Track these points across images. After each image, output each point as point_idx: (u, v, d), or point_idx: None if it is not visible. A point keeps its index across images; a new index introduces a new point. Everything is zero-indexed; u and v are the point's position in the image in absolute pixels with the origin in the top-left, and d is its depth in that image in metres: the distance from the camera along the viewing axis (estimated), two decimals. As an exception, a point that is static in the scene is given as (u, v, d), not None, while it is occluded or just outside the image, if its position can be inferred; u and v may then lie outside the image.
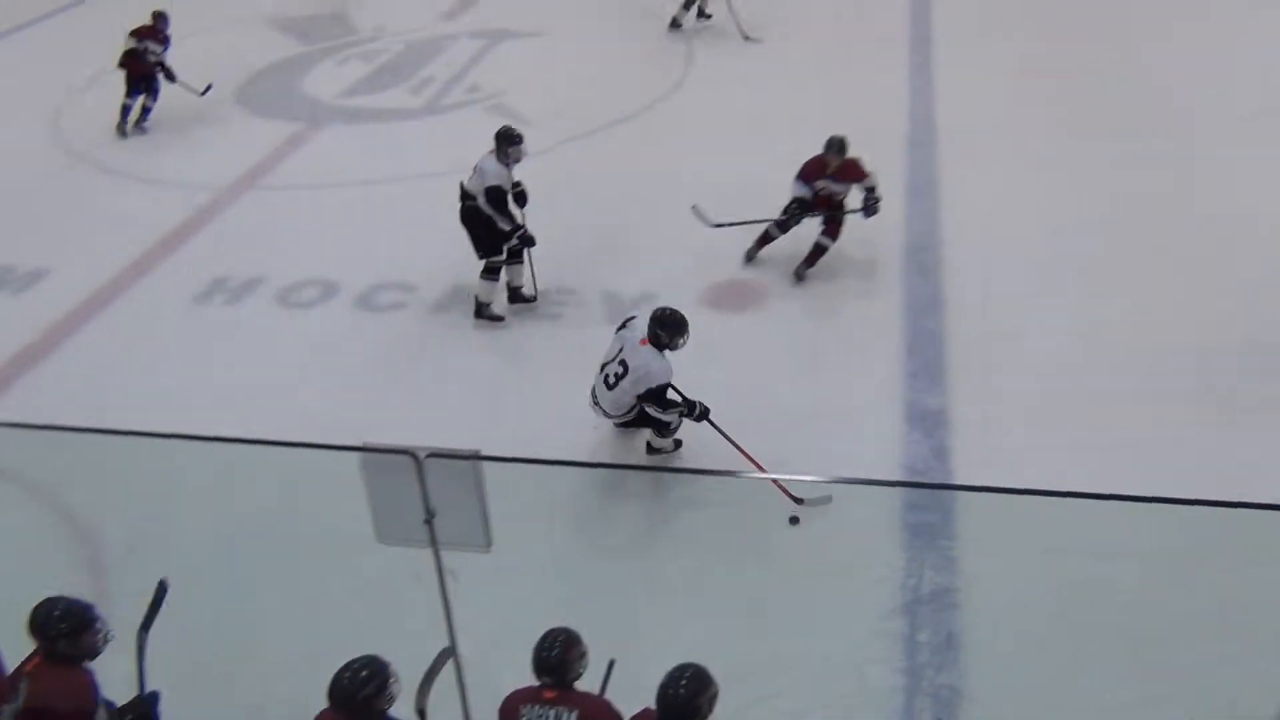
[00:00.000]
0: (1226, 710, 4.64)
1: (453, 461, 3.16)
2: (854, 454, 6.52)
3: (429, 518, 3.24)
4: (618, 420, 6.37)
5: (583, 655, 3.95)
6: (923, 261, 8.51)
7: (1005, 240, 8.70)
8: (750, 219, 8.38)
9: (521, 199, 7.85)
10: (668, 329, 6.08)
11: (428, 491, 3.19)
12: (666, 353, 6.11)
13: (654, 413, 6.18)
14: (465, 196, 7.78)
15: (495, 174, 7.62)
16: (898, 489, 6.29)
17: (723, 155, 10.07)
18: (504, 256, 7.88)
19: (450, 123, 11.68)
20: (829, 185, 8.08)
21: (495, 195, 7.62)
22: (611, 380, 6.19)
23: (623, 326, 6.39)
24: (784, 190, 8.19)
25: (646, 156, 10.45)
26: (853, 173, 8.05)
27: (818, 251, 8.19)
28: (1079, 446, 6.50)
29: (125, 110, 11.32)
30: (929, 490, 6.32)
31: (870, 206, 8.13)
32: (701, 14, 13.85)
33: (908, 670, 5.24)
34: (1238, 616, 5.28)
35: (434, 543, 3.28)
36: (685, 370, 6.27)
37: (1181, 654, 5.16)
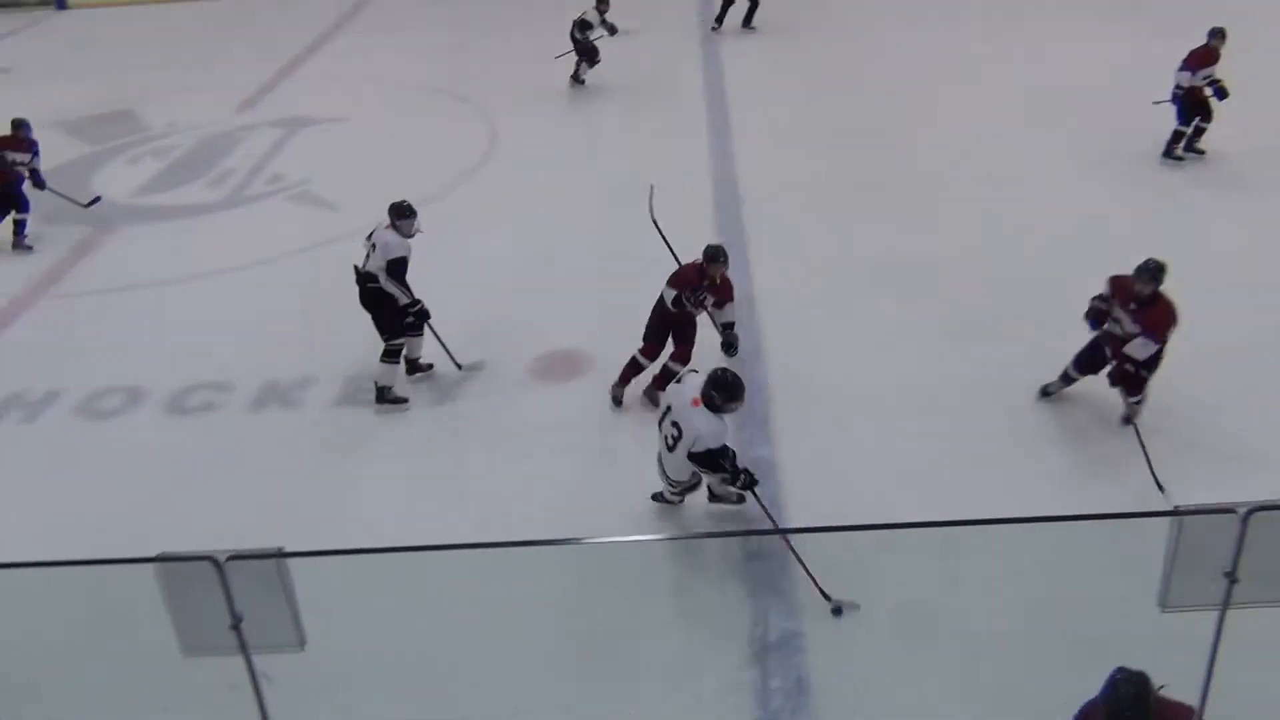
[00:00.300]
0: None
1: (258, 562, 2.98)
2: (687, 509, 6.53)
3: (235, 623, 3.04)
4: (680, 487, 6.25)
5: None
6: (739, 316, 8.63)
7: (815, 288, 8.97)
8: (671, 245, 7.95)
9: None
10: (722, 391, 5.89)
11: (232, 596, 2.99)
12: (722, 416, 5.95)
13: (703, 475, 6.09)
14: (365, 279, 7.59)
15: (399, 245, 7.49)
16: (737, 540, 6.33)
17: (531, 229, 10.09)
18: (403, 337, 7.74)
19: (253, 215, 11.36)
20: (696, 296, 7.35)
21: (399, 267, 7.48)
22: (670, 442, 6.06)
23: (677, 380, 6.32)
24: (593, 261, 8.06)
25: (457, 234, 10.33)
26: (725, 290, 7.41)
27: (667, 376, 7.40)
28: (904, 478, 6.69)
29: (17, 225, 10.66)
30: (769, 539, 6.36)
31: (732, 344, 7.49)
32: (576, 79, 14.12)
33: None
34: (1075, 627, 5.42)
35: (244, 648, 3.08)
36: (517, 441, 6.09)
37: (1026, 671, 5.27)
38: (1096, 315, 6.92)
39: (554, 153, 12.36)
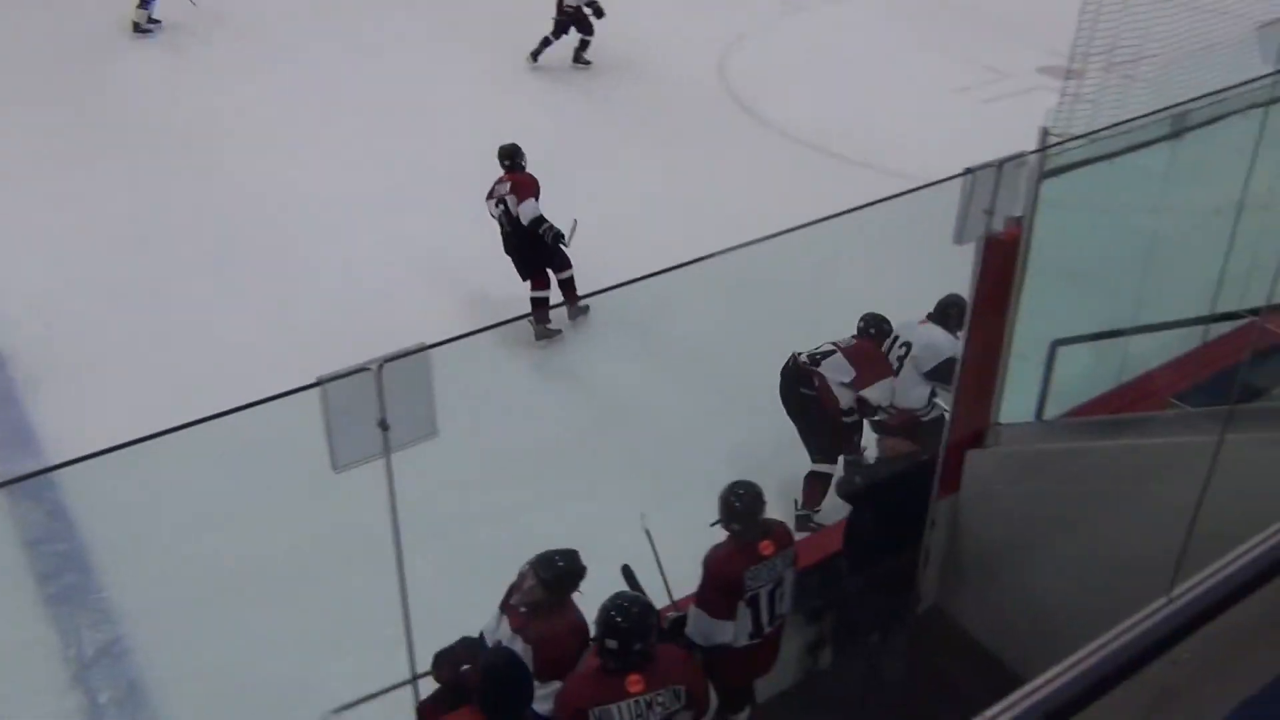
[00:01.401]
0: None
1: None
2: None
3: None
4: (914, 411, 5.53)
5: None
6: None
7: (68, 276, 8.17)
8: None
9: None
10: (959, 309, 5.21)
11: None
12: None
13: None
14: None
15: None
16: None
17: None
18: None
19: None
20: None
21: None
22: (895, 365, 5.79)
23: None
24: None
25: None
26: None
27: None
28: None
29: None
30: (61, 552, 5.88)
31: None
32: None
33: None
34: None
35: None
36: None
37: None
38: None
39: None
